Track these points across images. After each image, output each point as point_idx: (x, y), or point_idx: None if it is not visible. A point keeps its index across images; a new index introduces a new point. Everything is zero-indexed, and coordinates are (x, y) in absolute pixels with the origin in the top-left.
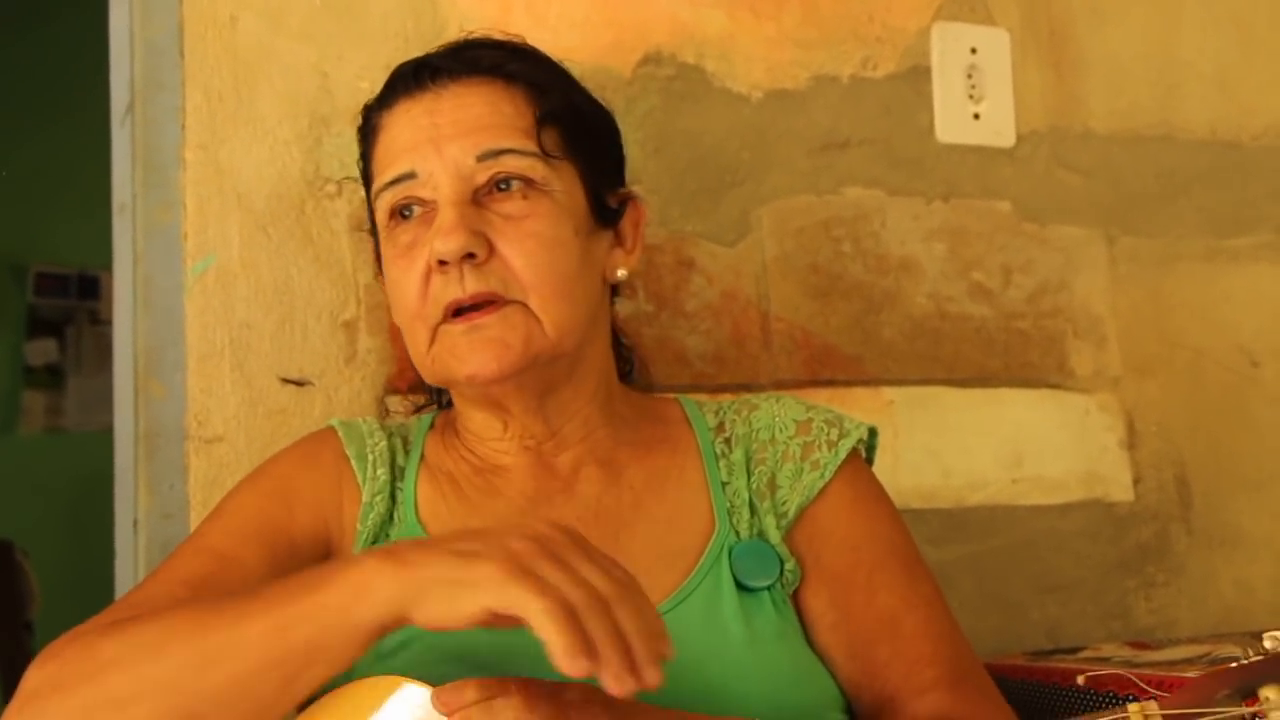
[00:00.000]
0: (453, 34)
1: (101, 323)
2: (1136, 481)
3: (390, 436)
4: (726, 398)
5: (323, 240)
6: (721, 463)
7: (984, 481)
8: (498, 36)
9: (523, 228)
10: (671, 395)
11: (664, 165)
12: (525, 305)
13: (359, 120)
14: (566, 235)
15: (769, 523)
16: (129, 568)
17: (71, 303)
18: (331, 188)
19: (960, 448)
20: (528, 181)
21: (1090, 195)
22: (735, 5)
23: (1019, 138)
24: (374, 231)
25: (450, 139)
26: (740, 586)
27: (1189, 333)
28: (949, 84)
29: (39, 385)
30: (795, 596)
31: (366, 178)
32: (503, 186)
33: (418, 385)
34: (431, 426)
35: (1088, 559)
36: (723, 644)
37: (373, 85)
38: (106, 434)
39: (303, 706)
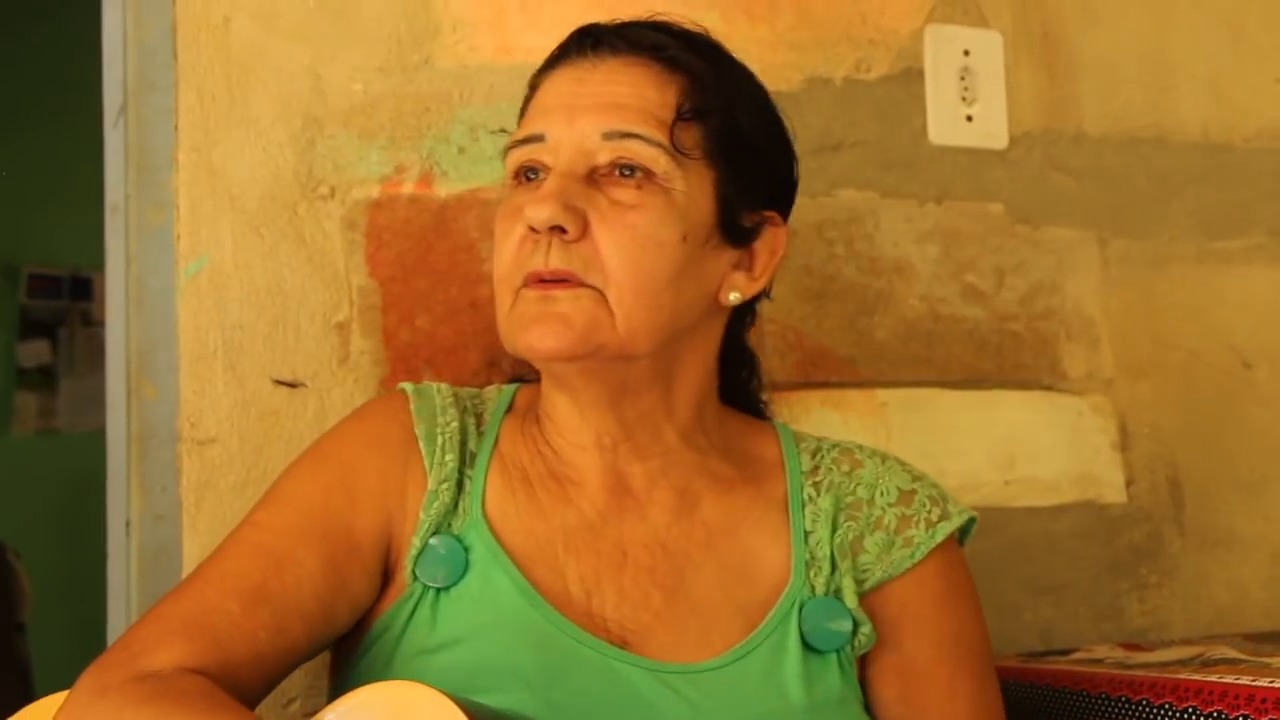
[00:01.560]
0: (446, 35)
1: (94, 324)
2: (1129, 483)
3: (464, 414)
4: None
5: (315, 242)
6: (807, 509)
7: (977, 483)
8: (684, 25)
9: (625, 218)
10: (771, 424)
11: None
12: (601, 294)
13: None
14: (670, 238)
15: (846, 584)
16: (121, 570)
17: (64, 304)
18: (324, 189)
19: (953, 449)
20: (648, 173)
21: (1083, 197)
22: (729, 7)
23: (1011, 140)
24: None
25: (585, 110)
26: (807, 646)
27: (1181, 334)
28: (942, 86)
29: (31, 386)
30: (865, 666)
31: None
32: (625, 172)
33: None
34: (510, 408)
35: (1080, 560)
36: (781, 708)
37: (366, 86)
38: (99, 435)
39: (334, 694)
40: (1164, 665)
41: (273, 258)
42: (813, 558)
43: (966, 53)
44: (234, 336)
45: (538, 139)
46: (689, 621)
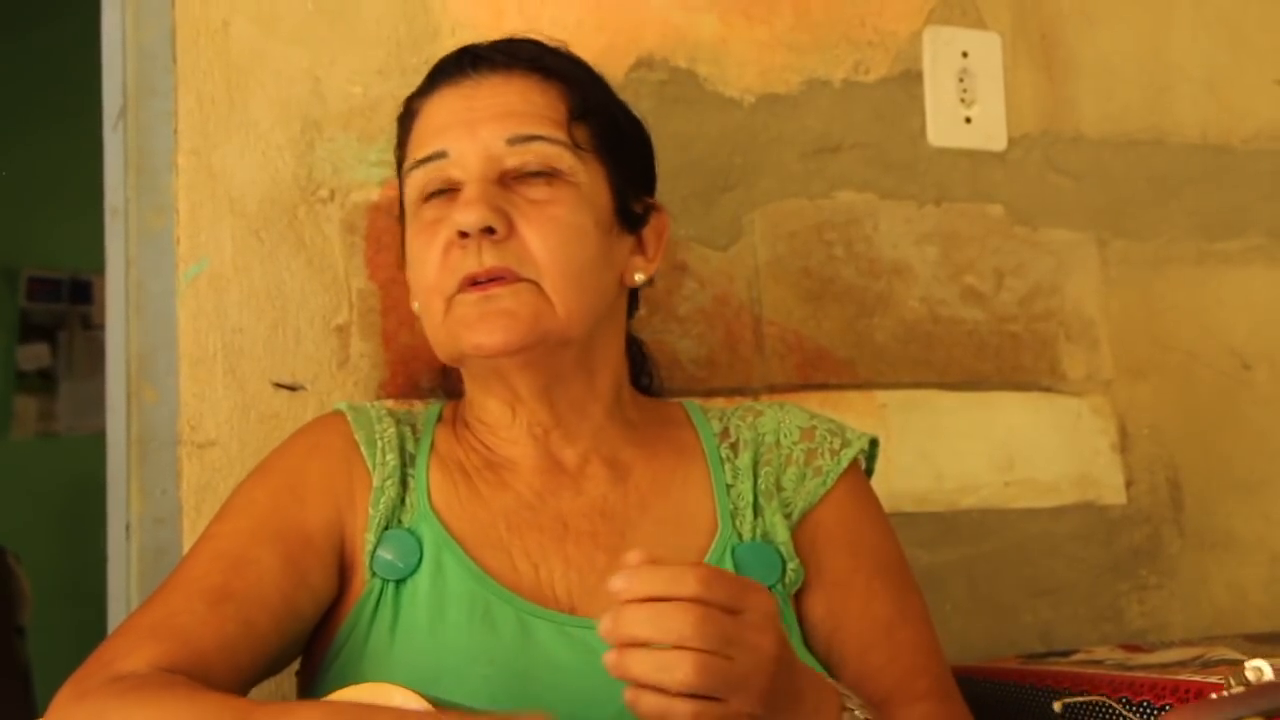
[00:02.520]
0: (445, 38)
1: (94, 327)
2: (1129, 484)
3: (398, 423)
4: (719, 401)
5: (315, 245)
6: (727, 466)
7: (976, 485)
8: (541, 39)
9: (545, 212)
10: (676, 400)
11: (657, 169)
12: (538, 285)
13: (399, 110)
14: (587, 225)
15: (776, 521)
16: (121, 572)
17: (63, 307)
18: (324, 192)
19: (952, 451)
20: (554, 170)
21: (1081, 198)
22: (727, 9)
23: (1010, 141)
24: (401, 217)
25: (483, 122)
26: None
27: (1180, 335)
28: (940, 88)
29: (31, 390)
30: (798, 600)
31: (400, 163)
32: (531, 172)
33: (410, 390)
34: (440, 418)
35: (1080, 562)
36: None
37: (365, 89)
38: (99, 438)
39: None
40: (1164, 666)
41: (272, 261)
42: (736, 508)
43: (965, 54)
44: (234, 339)
45: (440, 155)
46: None
